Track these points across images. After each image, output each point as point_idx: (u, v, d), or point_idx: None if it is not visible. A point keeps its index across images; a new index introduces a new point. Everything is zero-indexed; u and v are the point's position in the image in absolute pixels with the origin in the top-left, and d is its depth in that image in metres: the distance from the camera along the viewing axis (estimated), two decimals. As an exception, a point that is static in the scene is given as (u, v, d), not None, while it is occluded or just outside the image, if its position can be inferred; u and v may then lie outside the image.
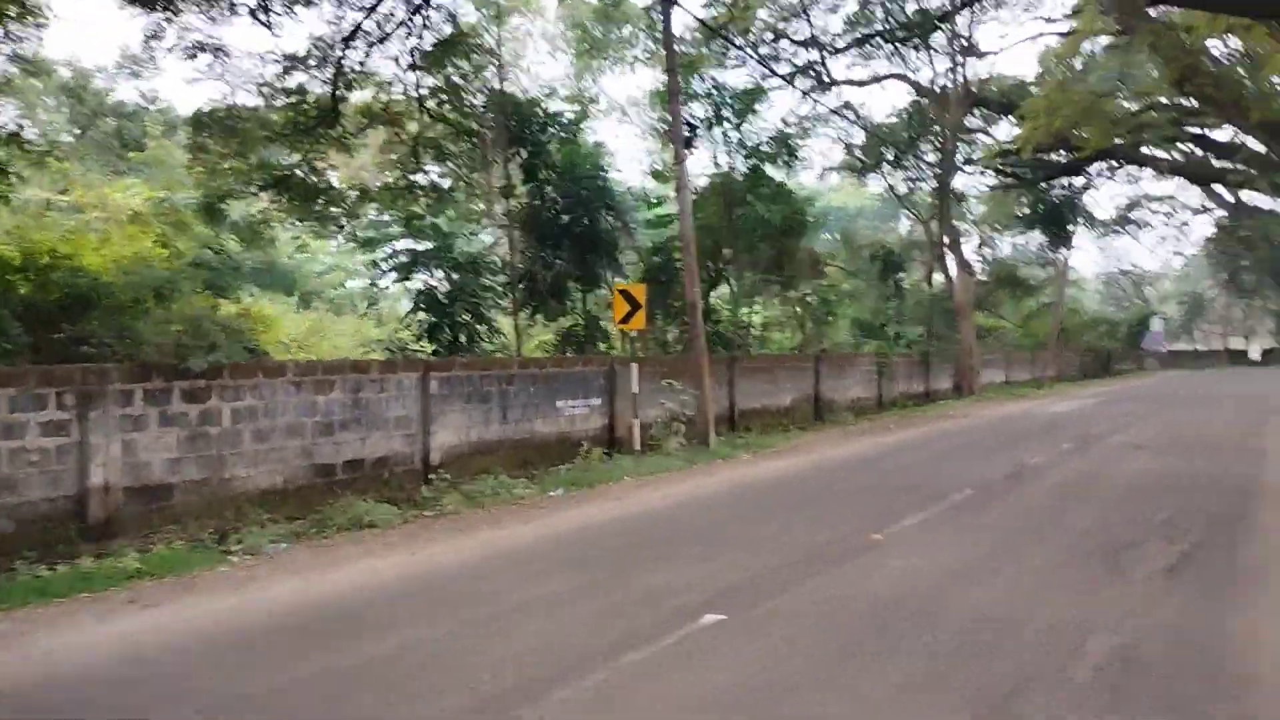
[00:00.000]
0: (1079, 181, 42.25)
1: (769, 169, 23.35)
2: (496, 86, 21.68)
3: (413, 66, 20.47)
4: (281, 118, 19.75)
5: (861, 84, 32.93)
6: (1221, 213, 54.71)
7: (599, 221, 20.61)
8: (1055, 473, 12.59)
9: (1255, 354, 66.78)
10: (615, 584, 6.83)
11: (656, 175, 25.00)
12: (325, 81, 17.93)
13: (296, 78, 17.98)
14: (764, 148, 23.08)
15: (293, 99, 18.82)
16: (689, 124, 15.05)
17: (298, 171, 21.33)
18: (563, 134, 21.59)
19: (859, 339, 31.07)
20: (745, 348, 23.79)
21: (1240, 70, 23.79)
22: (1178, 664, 5.07)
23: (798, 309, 27.32)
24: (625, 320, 14.77)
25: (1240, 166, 35.33)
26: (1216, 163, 37.11)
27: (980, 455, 14.82)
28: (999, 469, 12.90)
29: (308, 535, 9.12)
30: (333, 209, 21.58)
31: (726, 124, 22.50)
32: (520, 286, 20.24)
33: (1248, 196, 48.98)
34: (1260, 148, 31.79)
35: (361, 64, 18.96)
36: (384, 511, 10.02)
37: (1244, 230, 53.93)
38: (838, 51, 28.93)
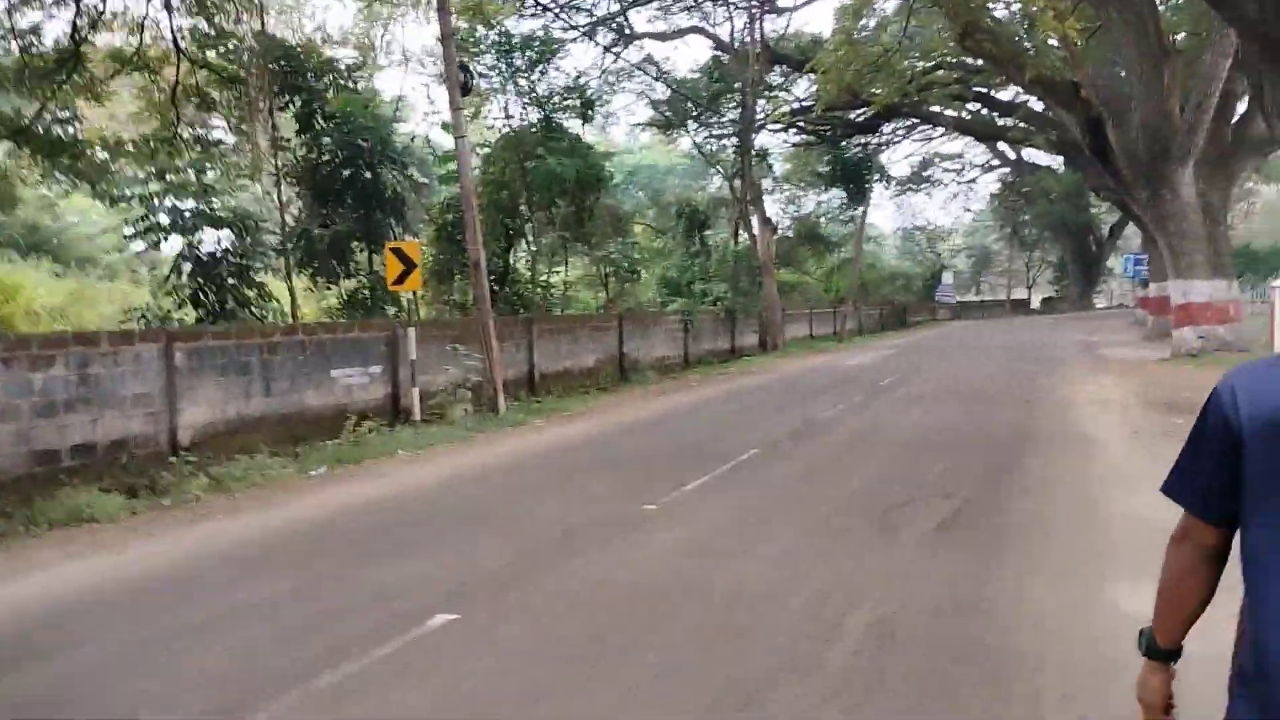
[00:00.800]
0: (876, 140, 43.58)
1: (571, 124, 22.63)
2: (267, 30, 19.94)
3: (167, 6, 18.49)
4: (14, 62, 17.56)
5: (663, 38, 32.60)
6: (1005, 170, 57.89)
7: (384, 176, 19.34)
8: (841, 428, 12.52)
9: (1035, 303, 71.31)
10: (342, 581, 6.01)
11: (447, 127, 23.77)
12: (65, 22, 15.89)
13: (29, 17, 15.86)
14: (559, 99, 22.27)
15: (26, 41, 16.69)
16: (464, 67, 14.03)
17: (39, 122, 19.08)
18: (341, 82, 20.12)
19: (666, 297, 30.90)
20: (547, 308, 23.07)
21: (1018, 29, 24.68)
22: (938, 640, 4.72)
23: (601, 268, 26.79)
24: (400, 281, 13.77)
25: (1020, 124, 37.18)
26: (999, 120, 38.93)
27: (773, 412, 14.69)
28: (788, 426, 12.74)
29: (10, 535, 7.83)
30: (80, 164, 19.39)
31: (519, 74, 21.57)
32: (296, 247, 18.79)
33: (1028, 154, 51.90)
34: (1038, 105, 33.44)
35: (104, 2, 16.91)
36: (109, 503, 8.78)
37: (1024, 186, 57.28)
38: (636, 3, 28.35)
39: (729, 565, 6.16)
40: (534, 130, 21.57)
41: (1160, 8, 20.69)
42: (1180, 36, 21.47)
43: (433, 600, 5.49)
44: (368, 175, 18.79)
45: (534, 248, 23.10)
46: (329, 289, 20.28)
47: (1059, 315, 57.07)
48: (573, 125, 22.97)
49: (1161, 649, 1.92)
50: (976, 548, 6.43)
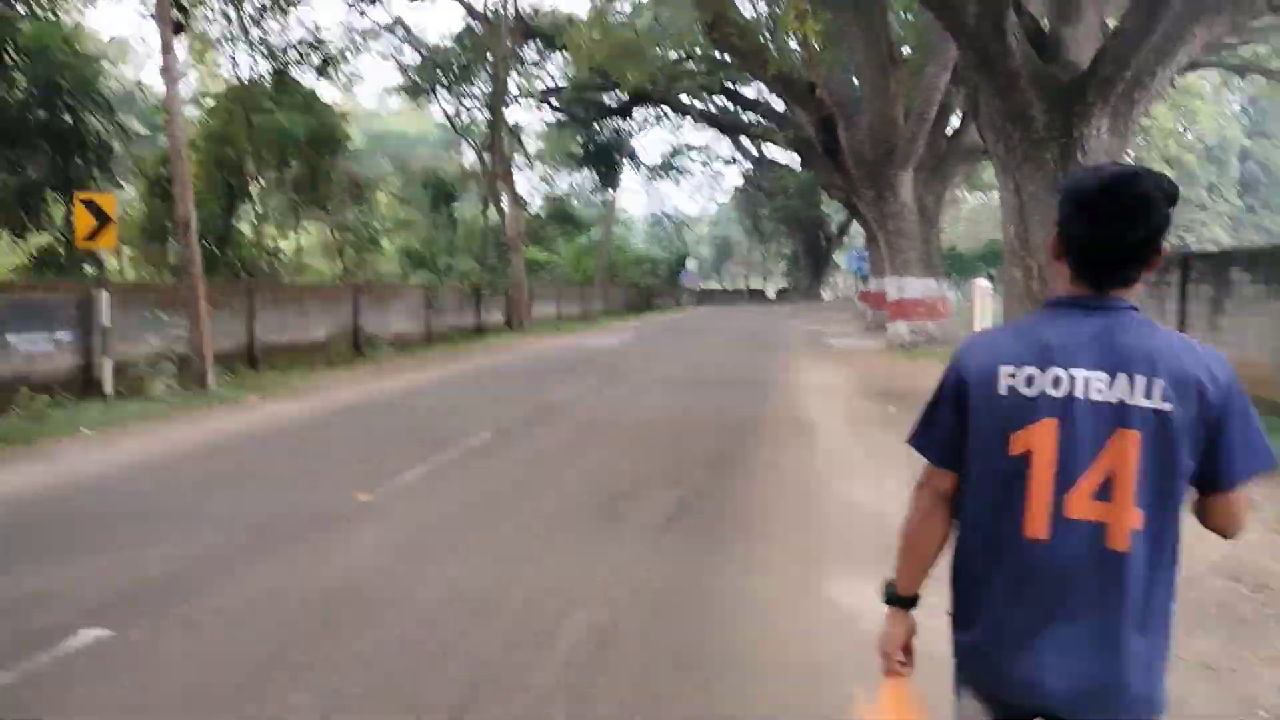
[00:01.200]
0: (628, 125, 44.05)
1: (308, 80, 21.13)
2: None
3: None
4: None
5: None
6: (748, 165, 60.22)
7: (87, 121, 17.24)
8: (577, 412, 12.29)
9: (771, 293, 74.97)
10: (-27, 592, 5.04)
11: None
12: None
13: None
14: (295, 53, 20.75)
15: None
16: (177, 3, 12.60)
17: None
18: (40, 11, 17.75)
19: (409, 270, 29.76)
20: (274, 276, 21.50)
21: (763, 27, 25.45)
22: (655, 645, 4.46)
23: (339, 236, 25.36)
24: (91, 237, 12.19)
25: (762, 120, 38.63)
26: (743, 115, 40.30)
27: (512, 393, 14.27)
28: (525, 409, 12.36)
29: None
30: None
31: (251, 21, 19.88)
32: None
33: (769, 150, 54.19)
34: (778, 104, 34.82)
35: None
36: None
37: (765, 181, 59.84)
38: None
39: (443, 564, 5.67)
40: (265, 83, 19.95)
41: (890, 19, 21.86)
42: (906, 50, 22.83)
43: (81, 613, 4.66)
44: (66, 119, 16.68)
45: (260, 209, 21.43)
46: (17, 243, 17.91)
47: (792, 305, 60.20)
48: (310, 82, 21.50)
49: (902, 596, 2.10)
50: (701, 540, 6.28)
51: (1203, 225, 55.92)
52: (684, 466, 8.67)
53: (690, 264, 63.53)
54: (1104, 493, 1.81)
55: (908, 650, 2.10)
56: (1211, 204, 57.74)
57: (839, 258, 69.64)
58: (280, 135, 18.56)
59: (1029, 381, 1.86)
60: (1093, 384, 1.83)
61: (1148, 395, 1.81)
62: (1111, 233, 1.86)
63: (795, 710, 3.81)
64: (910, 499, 2.09)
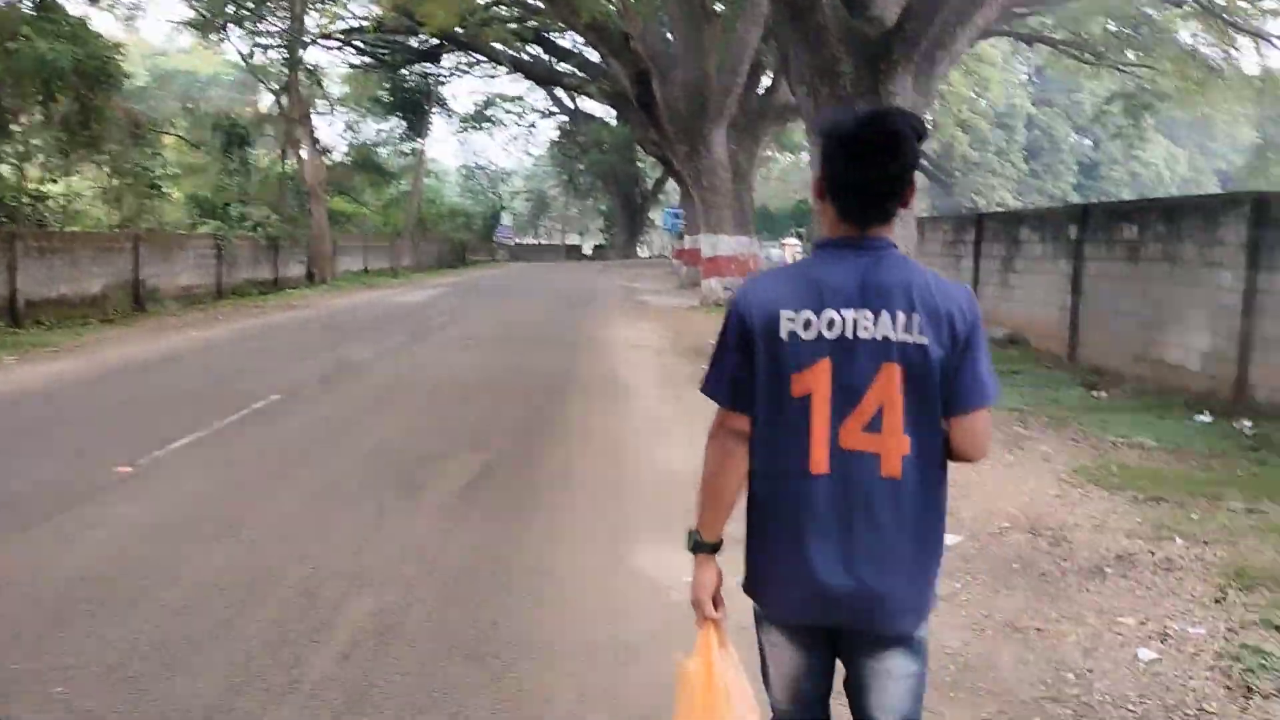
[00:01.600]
0: (437, 71, 42.43)
1: (76, 8, 18.98)
2: None
3: None
4: None
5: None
6: (564, 118, 59.40)
7: None
8: (378, 372, 11.58)
9: (588, 249, 74.74)
10: None
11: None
12: None
13: None
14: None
15: None
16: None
17: None
18: None
19: (198, 219, 27.64)
20: (40, 223, 19.39)
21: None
22: (446, 630, 4.03)
23: (116, 180, 23.15)
24: None
25: (577, 72, 37.99)
26: (558, 66, 39.51)
27: (308, 351, 13.36)
28: (320, 368, 11.55)
29: None
30: None
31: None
32: None
33: (585, 105, 53.60)
34: (594, 55, 34.27)
35: None
36: None
37: (580, 135, 59.19)
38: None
39: (209, 545, 5.04)
40: (22, 7, 17.80)
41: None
42: (720, 5, 22.75)
43: None
44: None
45: (22, 149, 19.26)
46: None
47: (608, 262, 60.10)
48: (82, 9, 19.38)
49: (707, 543, 2.14)
50: (504, 509, 5.87)
51: (992, 189, 59.30)
52: (490, 430, 8.23)
53: (505, 218, 62.42)
54: (875, 424, 1.94)
55: (717, 597, 2.14)
56: (1000, 168, 61.29)
57: (655, 215, 69.98)
58: (41, 65, 16.53)
59: (806, 325, 1.95)
60: (860, 322, 1.94)
61: (907, 330, 1.93)
62: (871, 167, 1.96)
63: (599, 698, 3.48)
64: (707, 445, 2.12)
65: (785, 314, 1.97)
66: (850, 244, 2.02)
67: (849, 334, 1.95)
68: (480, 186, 72.00)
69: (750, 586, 2.14)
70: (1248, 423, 9.17)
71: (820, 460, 1.96)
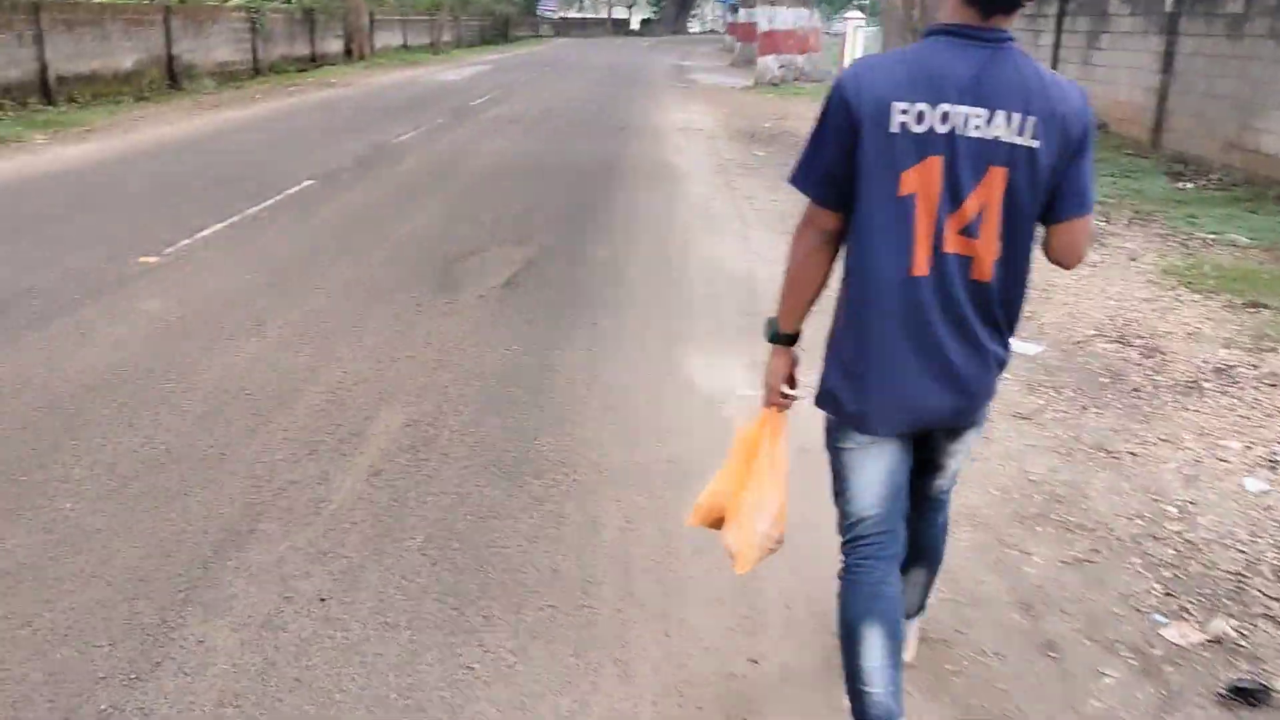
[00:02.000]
0: None
1: None
2: None
3: None
4: None
5: None
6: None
7: None
8: (416, 155, 11.03)
9: (635, 24, 71.38)
10: None
11: None
12: None
13: None
14: None
15: None
16: None
17: None
18: None
19: (229, -10, 26.41)
20: (63, -8, 18.51)
21: None
22: (481, 449, 3.70)
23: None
24: None
25: None
26: None
27: (344, 133, 12.78)
28: (357, 151, 11.03)
29: None
30: None
31: None
32: None
33: None
34: None
35: None
36: None
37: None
38: None
39: (231, 345, 4.74)
40: None
41: None
42: None
43: None
44: None
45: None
46: None
47: (657, 38, 57.44)
48: None
49: (785, 334, 2.09)
50: (547, 311, 5.49)
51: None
52: (533, 221, 7.77)
53: (549, -9, 59.37)
54: (973, 228, 1.85)
55: (791, 384, 2.12)
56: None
57: (707, -13, 66.18)
58: None
59: (920, 118, 1.81)
60: (972, 120, 1.81)
61: (1020, 132, 1.81)
62: None
63: (647, 523, 3.19)
64: (793, 238, 2.03)
65: (898, 105, 1.81)
66: (970, 33, 1.83)
67: (960, 131, 1.81)
68: (523, -44, 68.22)
69: (831, 397, 2.04)
70: (1351, 220, 8.47)
71: (922, 263, 1.86)
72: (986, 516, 3.23)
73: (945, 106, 1.80)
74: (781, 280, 2.06)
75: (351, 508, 3.21)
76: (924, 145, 1.81)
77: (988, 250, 1.86)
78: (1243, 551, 3.04)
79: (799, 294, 2.04)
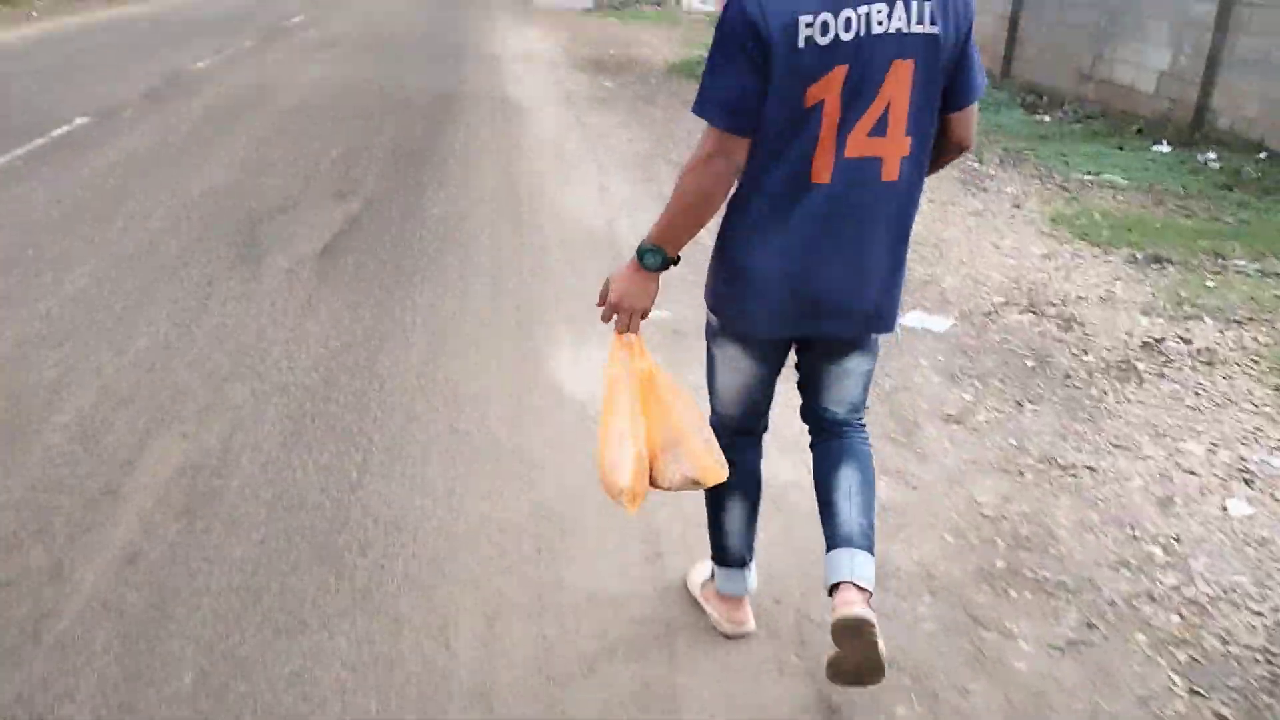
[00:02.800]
0: None
1: None
2: None
3: None
4: None
5: None
6: None
7: None
8: (218, 85, 9.57)
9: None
10: None
11: None
12: None
13: None
14: None
15: None
16: None
17: None
18: None
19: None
20: None
21: None
22: (288, 512, 2.80)
23: None
24: None
25: None
26: None
27: (132, 58, 11.09)
28: (145, 80, 9.50)
29: None
30: None
31: None
32: None
33: None
34: None
35: None
36: None
37: None
38: None
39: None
40: None
41: None
42: None
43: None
44: None
45: None
46: None
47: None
48: None
49: (671, 259, 1.94)
50: (372, 287, 4.51)
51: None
52: (356, 165, 6.66)
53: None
54: (880, 127, 1.76)
55: (647, 313, 2.01)
56: None
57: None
58: None
59: (825, 29, 1.69)
60: (874, 17, 1.70)
61: (919, 20, 1.72)
62: None
63: (515, 612, 2.37)
64: (694, 167, 1.82)
65: (804, 19, 1.69)
66: None
67: (863, 31, 1.70)
68: None
69: (720, 302, 2.01)
70: (1211, 155, 8.33)
71: (822, 170, 1.79)
72: (946, 578, 2.55)
73: (847, 11, 1.69)
74: (671, 205, 1.87)
75: (89, 630, 2.25)
76: (830, 56, 1.70)
77: (895, 150, 1.78)
78: (1257, 612, 2.46)
79: (698, 221, 1.89)
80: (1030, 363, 3.97)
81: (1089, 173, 7.53)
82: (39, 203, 5.52)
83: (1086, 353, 4.09)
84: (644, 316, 2.00)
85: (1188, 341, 4.21)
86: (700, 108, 1.81)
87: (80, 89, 8.90)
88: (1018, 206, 6.43)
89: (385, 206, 5.80)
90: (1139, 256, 5.42)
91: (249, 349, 3.74)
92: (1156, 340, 4.22)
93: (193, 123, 7.84)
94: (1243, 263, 5.42)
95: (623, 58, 12.99)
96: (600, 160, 7.27)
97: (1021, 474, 3.11)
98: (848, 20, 1.69)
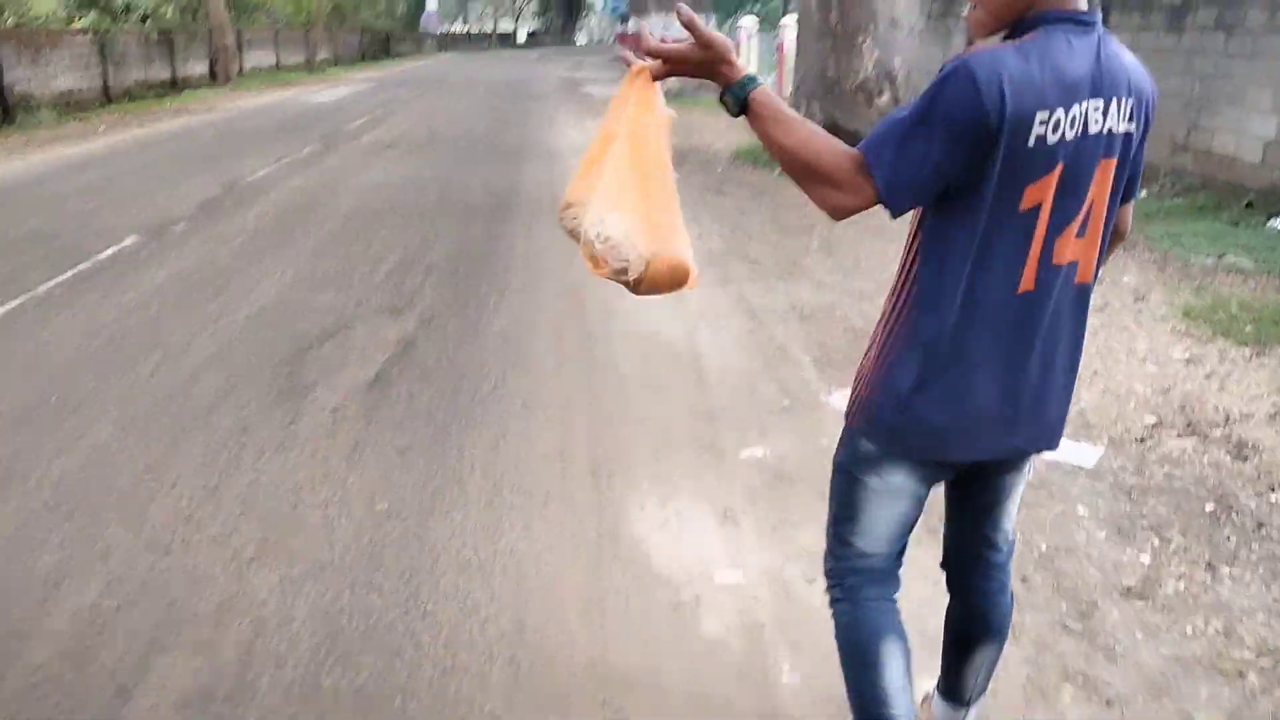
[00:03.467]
0: None
1: None
2: None
3: None
4: None
5: None
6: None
7: None
8: (276, 194, 9.34)
9: (522, 38, 69.78)
10: None
11: None
12: None
13: None
14: None
15: None
16: None
17: None
18: None
19: (74, 10, 24.10)
20: None
21: None
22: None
23: (-39, -36, 19.60)
24: None
25: None
26: None
27: (193, 168, 10.98)
28: (202, 191, 9.29)
29: None
30: None
31: None
32: None
33: None
34: None
35: None
36: None
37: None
38: None
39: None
40: None
41: None
42: None
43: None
44: None
45: None
46: None
47: (544, 50, 55.93)
48: None
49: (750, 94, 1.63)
50: (426, 426, 3.99)
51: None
52: (411, 279, 6.24)
53: (430, 4, 57.38)
54: (1082, 229, 1.64)
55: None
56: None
57: (593, -3, 65.06)
58: None
59: (1055, 127, 1.51)
60: (1093, 115, 1.55)
61: (1126, 119, 1.61)
62: None
63: None
64: (819, 175, 1.56)
65: (1040, 115, 1.48)
66: (1084, 18, 1.55)
67: (1082, 131, 1.54)
68: (402, -32, 66.13)
69: (896, 428, 1.72)
70: (1337, 231, 7.60)
71: (1029, 278, 1.60)
72: None
73: (1075, 108, 1.52)
74: (776, 139, 1.60)
75: None
76: (1054, 154, 1.52)
77: (1093, 249, 1.66)
78: None
79: (779, 158, 1.62)
80: (1210, 506, 3.28)
81: (1209, 255, 6.84)
82: (74, 337, 5.14)
83: (1274, 490, 3.39)
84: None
85: (1393, 471, 3.49)
86: (872, 154, 1.53)
87: (134, 204, 8.71)
88: (1142, 299, 5.75)
89: (442, 323, 5.33)
90: (1298, 357, 4.71)
91: (282, 518, 3.21)
92: (1356, 469, 3.51)
93: (245, 236, 7.52)
94: None
95: (685, 146, 12.62)
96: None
97: (1242, 675, 2.42)
98: (1074, 119, 1.53)
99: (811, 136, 1.57)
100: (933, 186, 1.54)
